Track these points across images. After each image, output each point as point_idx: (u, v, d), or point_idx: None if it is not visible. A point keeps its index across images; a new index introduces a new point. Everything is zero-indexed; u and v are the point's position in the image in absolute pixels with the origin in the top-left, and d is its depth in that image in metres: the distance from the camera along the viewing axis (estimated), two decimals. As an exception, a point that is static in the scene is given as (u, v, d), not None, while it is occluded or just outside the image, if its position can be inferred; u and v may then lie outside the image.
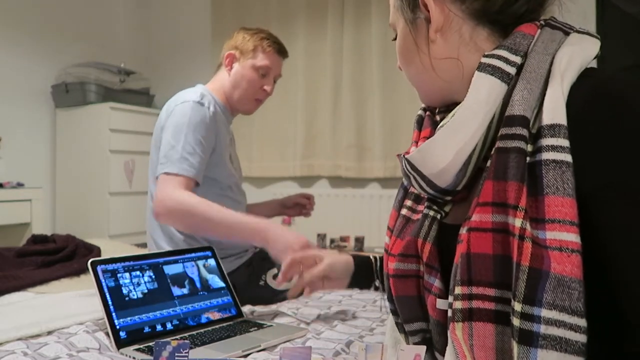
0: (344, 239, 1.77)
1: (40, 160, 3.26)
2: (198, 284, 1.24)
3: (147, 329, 1.09)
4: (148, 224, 1.64)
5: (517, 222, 0.57)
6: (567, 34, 0.68)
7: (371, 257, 0.92)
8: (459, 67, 0.70)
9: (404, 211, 0.80)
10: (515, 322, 0.56)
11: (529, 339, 0.55)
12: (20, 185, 2.90)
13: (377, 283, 0.92)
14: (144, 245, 1.69)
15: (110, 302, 1.08)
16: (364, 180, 3.02)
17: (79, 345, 1.02)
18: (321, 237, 1.78)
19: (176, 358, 0.65)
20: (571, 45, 0.65)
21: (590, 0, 2.42)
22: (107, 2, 3.65)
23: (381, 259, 0.91)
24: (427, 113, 0.80)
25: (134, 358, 0.98)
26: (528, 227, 0.57)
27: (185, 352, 0.65)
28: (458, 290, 0.61)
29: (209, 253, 1.32)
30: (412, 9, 0.72)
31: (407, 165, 0.70)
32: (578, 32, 0.68)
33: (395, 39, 0.77)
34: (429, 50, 0.72)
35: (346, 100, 2.99)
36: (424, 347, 0.63)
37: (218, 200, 1.54)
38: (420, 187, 0.71)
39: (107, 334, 1.07)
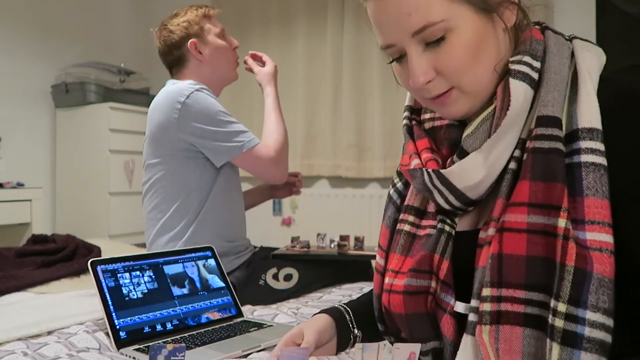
0: (344, 238, 1.76)
1: (40, 160, 3.26)
2: (198, 284, 1.24)
3: (147, 329, 1.09)
4: (146, 226, 1.64)
5: (561, 223, 0.58)
6: (567, 39, 0.69)
7: (340, 306, 0.86)
8: (495, 71, 0.67)
9: (406, 227, 0.76)
10: (559, 323, 0.55)
11: (573, 341, 0.55)
12: (20, 185, 2.90)
13: (356, 331, 0.84)
14: (144, 245, 1.69)
15: (110, 302, 1.08)
16: (364, 180, 3.02)
17: (79, 345, 1.02)
18: (321, 237, 1.77)
19: None
20: (588, 52, 0.66)
21: (590, 0, 2.42)
22: (107, 2, 3.65)
23: (351, 306, 0.87)
24: (413, 122, 0.78)
25: (134, 358, 0.98)
26: (571, 227, 0.57)
27: (181, 355, 0.65)
28: (486, 292, 0.60)
29: (209, 253, 1.32)
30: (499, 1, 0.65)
31: (435, 180, 0.68)
32: (578, 38, 0.69)
33: (438, 40, 0.64)
34: (494, 50, 0.66)
35: (346, 100, 3.00)
36: (418, 345, 0.63)
37: (215, 202, 1.57)
38: (446, 201, 0.69)
39: (107, 334, 1.07)
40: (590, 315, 0.54)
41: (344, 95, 3.01)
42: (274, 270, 1.60)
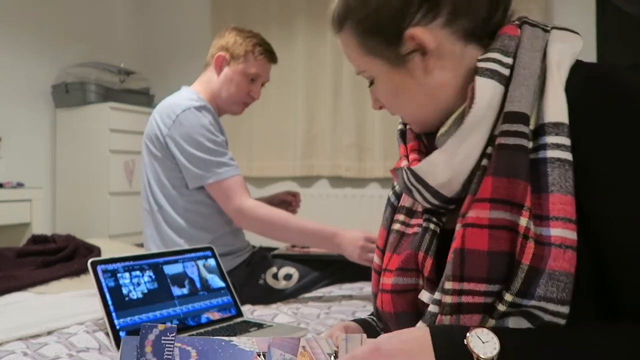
0: (343, 238, 1.77)
1: (40, 160, 3.26)
2: (198, 284, 1.24)
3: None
4: (144, 226, 1.64)
5: (523, 221, 0.58)
6: (545, 30, 0.68)
7: (364, 318, 0.88)
8: (456, 86, 0.68)
9: (396, 226, 0.78)
10: (501, 307, 0.59)
11: (507, 316, 0.59)
12: (20, 185, 2.90)
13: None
14: (144, 245, 1.70)
15: (110, 302, 1.08)
16: (364, 180, 3.02)
17: (79, 345, 1.02)
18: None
19: (162, 341, 0.64)
20: (560, 42, 0.65)
21: (590, 0, 2.42)
22: (107, 2, 3.65)
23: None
24: (408, 126, 0.79)
25: (133, 358, 0.98)
26: (532, 226, 0.58)
27: (172, 336, 0.65)
28: (448, 285, 0.62)
29: (208, 253, 1.32)
30: (395, 47, 0.68)
31: (411, 178, 0.69)
32: (558, 28, 0.69)
33: (371, 84, 0.74)
34: (427, 82, 0.68)
35: (346, 100, 3.00)
36: (364, 335, 0.65)
37: (213, 202, 1.56)
38: (424, 199, 0.70)
39: (107, 334, 1.07)
40: (533, 302, 0.57)
41: (344, 95, 3.01)
42: (273, 270, 1.60)
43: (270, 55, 1.66)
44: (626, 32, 2.21)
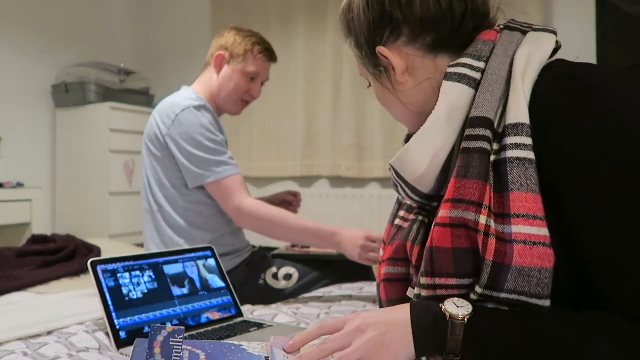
0: (343, 238, 1.77)
1: (40, 160, 3.26)
2: (198, 284, 1.24)
3: (147, 329, 1.09)
4: (144, 226, 1.64)
5: (482, 220, 0.61)
6: (524, 33, 0.70)
7: None
8: (434, 92, 0.72)
9: (397, 221, 0.83)
10: (474, 297, 0.62)
11: (486, 302, 0.62)
12: (20, 185, 2.90)
13: None
14: (144, 245, 1.70)
15: (110, 302, 1.08)
16: (364, 180, 3.02)
17: (79, 345, 1.02)
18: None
19: (170, 343, 0.65)
20: (528, 45, 0.67)
21: (590, 0, 2.42)
22: (107, 2, 3.65)
23: None
24: None
25: (134, 358, 0.98)
26: (492, 224, 0.60)
27: (180, 338, 0.65)
28: (423, 280, 0.66)
29: (208, 253, 1.32)
30: (374, 63, 0.76)
31: (393, 173, 0.74)
32: (535, 30, 0.70)
33: (369, 86, 0.82)
34: (401, 93, 0.75)
35: (346, 100, 2.99)
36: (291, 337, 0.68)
37: (213, 202, 1.56)
38: (407, 194, 0.74)
39: (107, 334, 1.07)
40: (504, 295, 0.60)
41: (344, 95, 3.01)
42: (273, 269, 1.60)
43: (269, 54, 1.67)
44: (626, 32, 2.21)
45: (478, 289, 0.61)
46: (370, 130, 2.95)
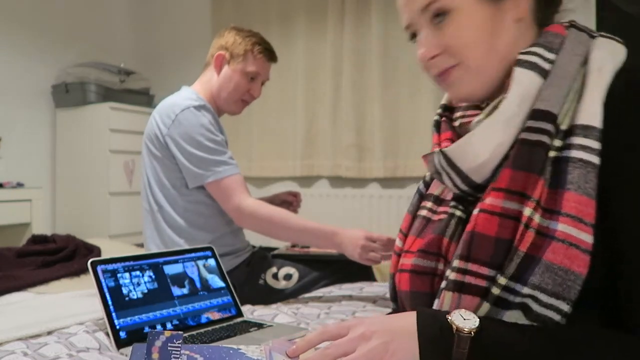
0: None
1: (40, 160, 3.26)
2: (198, 284, 1.24)
3: (147, 329, 1.09)
4: (144, 226, 1.64)
5: (527, 212, 0.61)
6: (591, 37, 0.70)
7: None
8: (509, 60, 0.69)
9: (423, 212, 0.80)
10: (495, 291, 0.61)
11: (502, 304, 0.61)
12: (20, 185, 2.90)
13: None
14: (144, 245, 1.70)
15: (110, 302, 1.08)
16: (364, 180, 3.02)
17: (79, 345, 1.02)
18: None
19: (169, 348, 0.65)
20: (602, 50, 0.67)
21: (590, 0, 2.42)
22: (107, 2, 3.65)
23: None
24: (444, 118, 0.80)
25: (134, 358, 0.98)
26: (536, 217, 0.60)
27: (178, 343, 0.65)
28: (455, 263, 0.65)
29: (208, 253, 1.32)
30: None
31: (443, 161, 0.71)
32: (603, 36, 0.70)
33: (437, 15, 0.69)
34: (504, 36, 0.69)
35: (346, 100, 2.99)
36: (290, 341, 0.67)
37: (213, 202, 1.56)
38: (454, 183, 0.72)
39: (107, 334, 1.07)
40: (527, 290, 0.59)
41: (344, 95, 3.01)
42: (273, 269, 1.60)
43: (269, 54, 1.67)
44: (626, 32, 2.21)
45: (502, 280, 0.60)
46: (370, 130, 2.95)
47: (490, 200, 0.64)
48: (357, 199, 2.97)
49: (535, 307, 0.59)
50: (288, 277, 1.59)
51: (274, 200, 1.89)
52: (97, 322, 1.15)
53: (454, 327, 0.59)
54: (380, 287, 1.59)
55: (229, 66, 1.64)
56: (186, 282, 1.22)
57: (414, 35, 0.75)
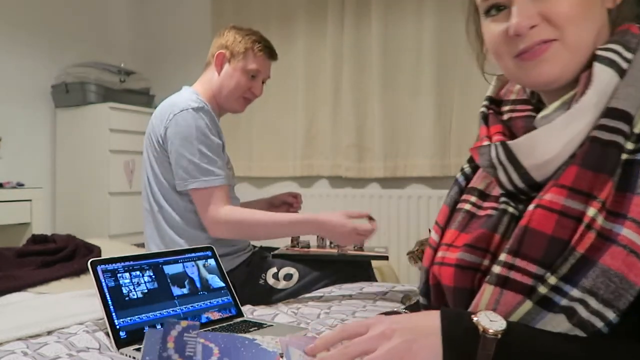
0: (343, 238, 1.77)
1: (40, 160, 3.26)
2: (198, 284, 1.24)
3: (147, 329, 1.09)
4: (144, 226, 1.64)
5: (591, 212, 0.58)
6: None
7: (399, 310, 0.85)
8: (591, 51, 0.67)
9: (466, 206, 0.77)
10: (542, 290, 0.58)
11: (547, 304, 0.58)
12: (20, 185, 2.90)
13: None
14: (144, 245, 1.70)
15: (110, 302, 1.08)
16: (364, 180, 3.02)
17: (79, 345, 1.02)
18: (321, 237, 1.77)
19: (185, 338, 0.65)
20: None
21: None
22: (107, 2, 3.65)
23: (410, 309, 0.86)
24: (490, 111, 0.78)
25: (134, 358, 0.98)
26: (600, 219, 0.58)
27: (194, 333, 0.65)
28: (503, 257, 0.62)
29: (208, 253, 1.32)
30: None
31: (502, 155, 0.68)
32: None
33: None
34: (596, 21, 0.67)
35: (346, 100, 2.99)
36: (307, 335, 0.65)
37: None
38: (509, 179, 0.69)
39: (107, 334, 1.07)
40: (576, 293, 0.57)
41: (344, 95, 3.00)
42: (273, 269, 1.60)
43: (269, 52, 1.67)
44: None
45: (552, 279, 0.58)
46: (370, 130, 2.95)
47: (550, 196, 0.61)
48: (357, 199, 2.97)
49: (582, 312, 0.57)
50: (288, 277, 1.59)
51: (273, 202, 1.89)
52: (97, 322, 1.15)
53: (480, 328, 0.57)
54: (380, 287, 1.59)
55: (230, 64, 1.64)
56: (186, 282, 1.22)
57: (492, 8, 0.69)
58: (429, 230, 1.51)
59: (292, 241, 1.78)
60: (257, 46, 1.64)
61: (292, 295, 1.56)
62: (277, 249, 1.77)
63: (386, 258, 1.70)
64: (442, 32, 2.68)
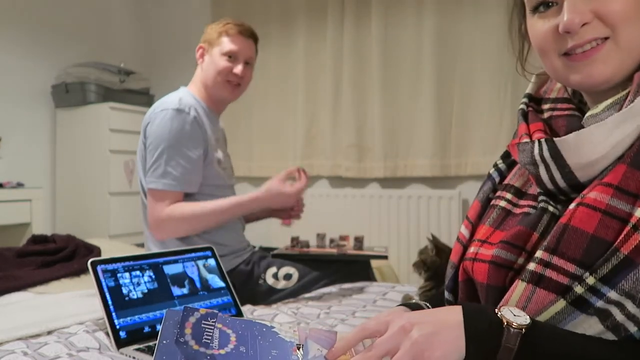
0: (343, 238, 1.77)
1: (40, 160, 3.26)
2: (198, 284, 1.24)
3: (147, 329, 1.09)
4: (143, 224, 1.64)
5: (638, 212, 0.57)
6: None
7: (418, 302, 0.82)
8: None
9: (501, 203, 0.75)
10: (579, 289, 0.57)
11: (582, 305, 0.57)
12: (20, 185, 2.90)
13: None
14: (144, 245, 1.70)
15: (110, 302, 1.08)
16: (364, 180, 3.02)
17: (79, 345, 1.02)
18: (321, 237, 1.77)
19: (202, 325, 0.64)
20: None
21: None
22: (107, 2, 3.65)
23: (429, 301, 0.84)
24: (530, 108, 0.76)
25: (134, 358, 0.99)
26: None
27: (212, 321, 0.65)
28: (539, 254, 0.61)
29: (208, 253, 1.33)
30: None
31: (546, 152, 0.66)
32: None
33: None
34: None
35: (346, 100, 2.99)
36: (335, 332, 0.64)
37: (226, 187, 1.58)
38: (551, 178, 0.67)
39: (107, 333, 1.07)
40: (612, 294, 0.55)
41: (344, 95, 3.00)
42: (273, 269, 1.60)
43: (241, 29, 1.67)
44: None
45: (590, 279, 0.56)
46: (370, 130, 2.95)
47: (594, 195, 0.59)
48: (357, 199, 2.97)
49: (617, 315, 0.56)
50: (288, 277, 1.59)
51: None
52: (97, 322, 1.16)
53: (504, 321, 0.56)
54: (380, 287, 1.59)
55: (209, 54, 1.68)
56: (186, 282, 1.22)
57: (541, 4, 0.67)
58: (431, 235, 1.51)
59: (291, 241, 1.78)
60: (229, 27, 1.66)
61: (291, 295, 1.56)
62: (277, 248, 1.78)
63: (385, 258, 1.70)
64: (442, 32, 2.68)
